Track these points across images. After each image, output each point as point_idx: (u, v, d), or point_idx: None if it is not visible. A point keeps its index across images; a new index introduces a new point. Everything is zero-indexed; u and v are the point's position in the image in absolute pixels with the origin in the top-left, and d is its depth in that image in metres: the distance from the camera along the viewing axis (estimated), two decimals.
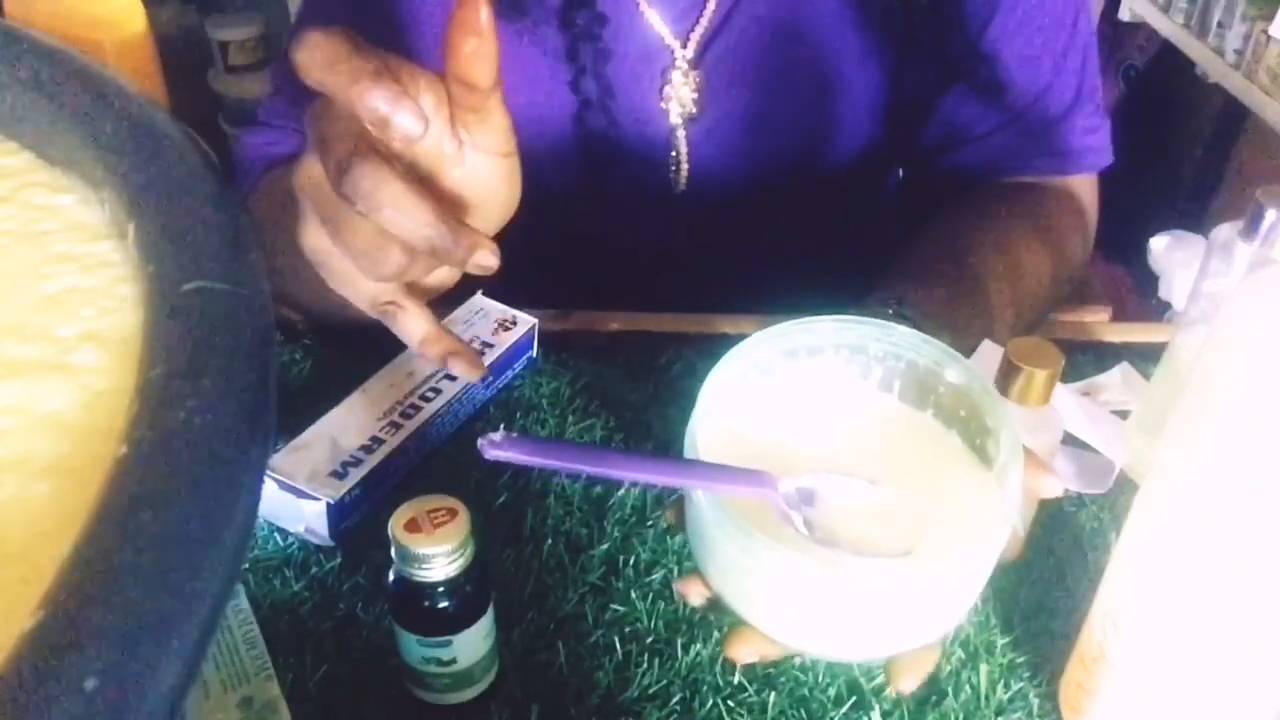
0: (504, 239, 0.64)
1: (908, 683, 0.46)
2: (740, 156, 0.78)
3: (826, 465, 0.45)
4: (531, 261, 0.78)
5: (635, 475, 0.48)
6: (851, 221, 0.85)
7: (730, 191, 0.79)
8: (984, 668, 0.54)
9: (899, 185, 0.91)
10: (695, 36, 0.74)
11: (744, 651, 0.45)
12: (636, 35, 0.74)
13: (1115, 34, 2.17)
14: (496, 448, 0.39)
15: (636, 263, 0.80)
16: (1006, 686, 0.53)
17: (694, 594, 0.46)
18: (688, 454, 0.44)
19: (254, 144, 0.77)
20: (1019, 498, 0.43)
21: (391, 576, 0.48)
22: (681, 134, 0.77)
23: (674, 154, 0.78)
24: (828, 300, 0.50)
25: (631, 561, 0.59)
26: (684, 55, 0.74)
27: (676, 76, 0.75)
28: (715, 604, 0.46)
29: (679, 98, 0.75)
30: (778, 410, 0.49)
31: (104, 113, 0.32)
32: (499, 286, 0.74)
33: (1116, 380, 0.69)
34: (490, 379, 0.69)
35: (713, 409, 0.46)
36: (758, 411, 0.49)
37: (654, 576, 0.58)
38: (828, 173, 0.80)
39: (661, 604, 0.57)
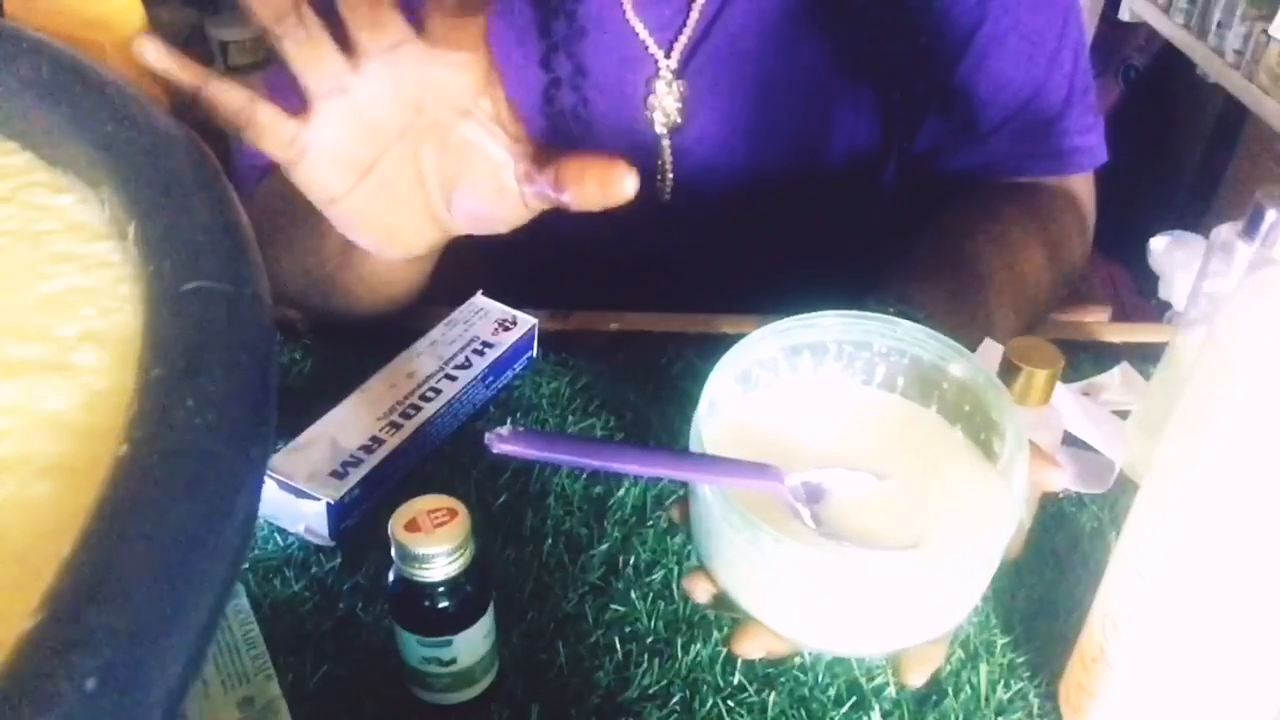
0: (501, 241, 0.65)
1: (916, 677, 0.46)
2: (726, 166, 0.78)
3: (832, 460, 0.45)
4: (528, 264, 0.78)
5: (641, 469, 0.48)
6: (846, 225, 0.85)
7: (718, 200, 0.79)
8: (984, 668, 0.54)
9: (895, 188, 0.90)
10: (679, 46, 0.74)
11: (750, 647, 0.45)
12: (621, 43, 0.74)
13: (1115, 34, 2.16)
14: (504, 442, 0.39)
15: (628, 267, 0.80)
16: (1006, 686, 0.53)
17: (700, 590, 0.46)
18: (693, 449, 0.44)
19: (250, 153, 0.78)
20: (1025, 491, 0.43)
21: (391, 576, 0.48)
22: (666, 143, 0.77)
23: (659, 163, 0.78)
24: (825, 303, 0.51)
25: (631, 561, 0.59)
26: (667, 65, 0.74)
27: (660, 86, 0.75)
28: (721, 600, 0.46)
29: (663, 107, 0.75)
30: (782, 406, 0.49)
31: (104, 113, 0.32)
32: (499, 286, 0.74)
33: (1116, 380, 0.69)
34: (490, 379, 0.69)
35: (716, 404, 0.46)
36: (762, 407, 0.49)
37: (654, 576, 0.58)
38: (818, 179, 0.80)
39: (661, 604, 0.57)
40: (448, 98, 0.49)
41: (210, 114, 0.46)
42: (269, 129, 0.48)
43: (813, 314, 0.48)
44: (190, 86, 0.45)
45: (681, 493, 0.47)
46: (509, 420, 0.68)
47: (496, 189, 0.53)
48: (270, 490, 0.58)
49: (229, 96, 0.46)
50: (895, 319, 0.48)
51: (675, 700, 0.52)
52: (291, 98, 0.49)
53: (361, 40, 0.46)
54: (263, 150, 0.48)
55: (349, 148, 0.49)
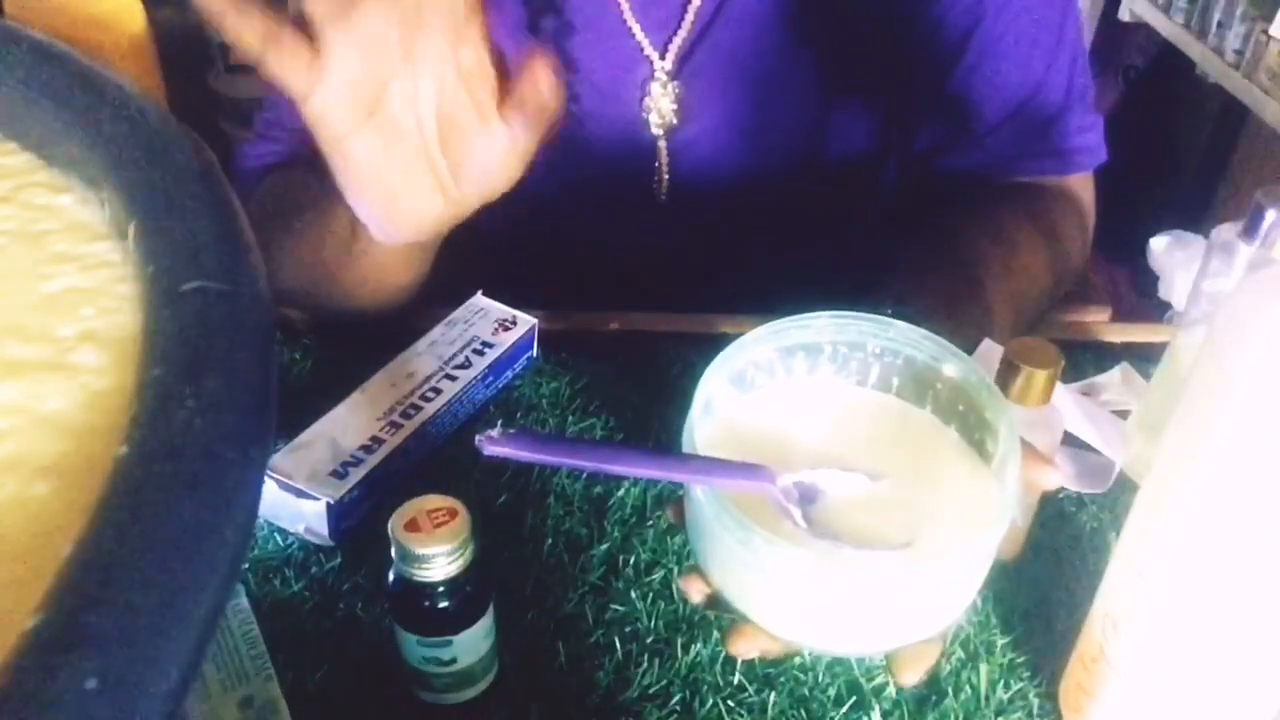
0: (500, 241, 0.65)
1: (909, 676, 0.46)
2: (723, 167, 0.78)
3: (827, 461, 0.45)
4: (527, 264, 0.78)
5: (633, 470, 0.49)
6: (844, 225, 0.85)
7: (714, 201, 0.79)
8: (984, 668, 0.54)
9: (895, 187, 0.91)
10: (674, 47, 0.74)
11: (744, 647, 0.45)
12: (616, 44, 0.74)
13: (1115, 34, 2.16)
14: (495, 444, 0.39)
15: (627, 268, 0.80)
16: (1006, 686, 0.53)
17: (694, 591, 0.46)
18: (685, 450, 0.44)
19: (250, 155, 0.78)
20: (1017, 490, 0.43)
21: (391, 576, 0.48)
22: (662, 145, 0.77)
23: (656, 164, 0.78)
24: (824, 303, 0.51)
25: (631, 561, 0.59)
26: (663, 66, 0.74)
27: (656, 88, 0.75)
28: (716, 601, 0.46)
29: (659, 109, 0.75)
30: (775, 407, 0.49)
31: (104, 113, 0.32)
32: (499, 287, 0.74)
33: (1116, 380, 0.69)
34: (490, 379, 0.69)
35: (710, 405, 0.46)
36: (755, 408, 0.49)
37: (654, 576, 0.58)
38: (816, 180, 0.80)
39: (661, 604, 0.57)
40: (443, 7, 0.50)
41: (235, 39, 0.47)
42: (291, 52, 0.49)
43: (807, 315, 0.48)
44: (216, 9, 0.46)
45: (680, 493, 0.47)
46: (508, 421, 0.68)
47: (486, 128, 0.53)
48: (270, 490, 0.58)
49: (253, 21, 0.47)
50: (889, 320, 0.48)
51: (675, 700, 0.52)
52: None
53: None
54: (282, 79, 0.49)
55: (358, 70, 0.50)
